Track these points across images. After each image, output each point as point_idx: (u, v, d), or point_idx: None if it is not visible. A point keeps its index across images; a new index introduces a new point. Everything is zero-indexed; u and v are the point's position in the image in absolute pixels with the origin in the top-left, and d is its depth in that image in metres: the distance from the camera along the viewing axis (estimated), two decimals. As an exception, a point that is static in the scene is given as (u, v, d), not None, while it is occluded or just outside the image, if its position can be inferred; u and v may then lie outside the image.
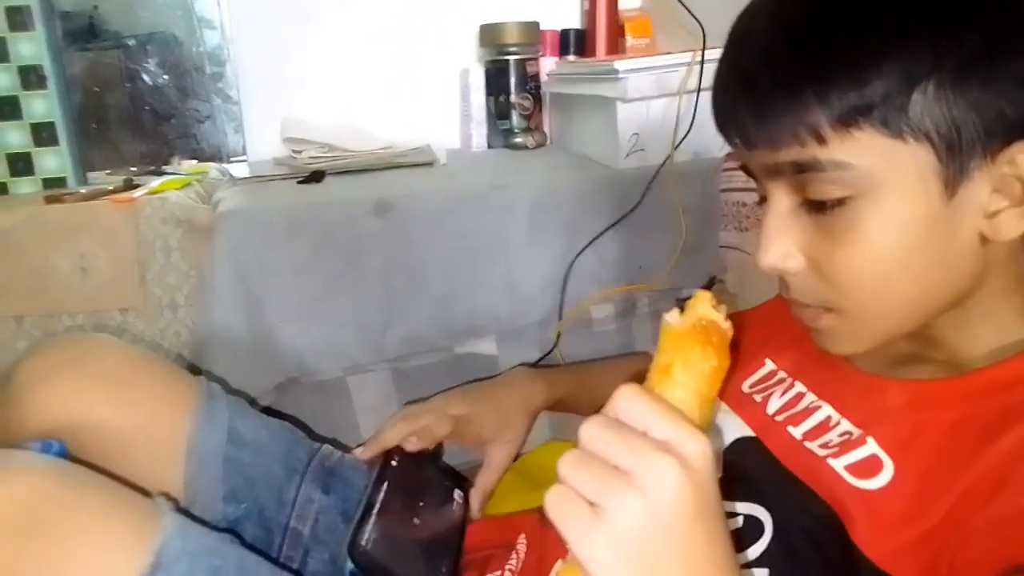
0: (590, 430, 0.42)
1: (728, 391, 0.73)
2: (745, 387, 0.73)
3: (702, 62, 1.22)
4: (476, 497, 0.94)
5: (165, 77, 1.48)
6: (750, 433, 0.67)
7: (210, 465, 0.79)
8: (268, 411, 0.98)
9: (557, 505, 0.40)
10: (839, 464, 0.57)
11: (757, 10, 0.55)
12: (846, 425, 0.60)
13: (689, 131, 1.23)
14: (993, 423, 0.51)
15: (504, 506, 1.05)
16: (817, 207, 0.53)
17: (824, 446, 0.60)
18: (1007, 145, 0.49)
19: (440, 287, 1.19)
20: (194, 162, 1.62)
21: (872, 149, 0.49)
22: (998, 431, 0.51)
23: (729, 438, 0.68)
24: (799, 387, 0.68)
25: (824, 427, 0.61)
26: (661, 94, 1.24)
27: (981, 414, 0.53)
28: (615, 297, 1.29)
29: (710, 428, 0.52)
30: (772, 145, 0.52)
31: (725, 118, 0.56)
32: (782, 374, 0.71)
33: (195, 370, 1.15)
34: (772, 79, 0.51)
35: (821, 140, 0.50)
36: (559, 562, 0.61)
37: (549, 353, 1.25)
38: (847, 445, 0.58)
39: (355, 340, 1.16)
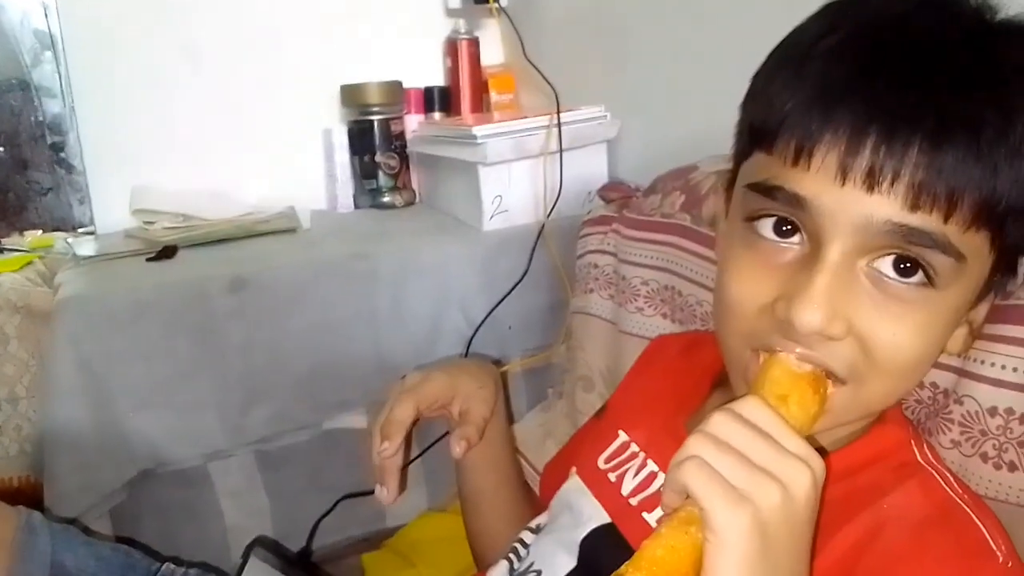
0: (726, 423, 0.44)
1: (585, 466, 0.73)
2: (600, 462, 0.72)
3: (559, 125, 1.25)
4: (457, 442, 0.82)
5: (0, 149, 1.39)
6: (606, 519, 0.67)
7: None
8: (117, 537, 0.90)
9: (699, 478, 0.42)
10: None
11: (943, 21, 0.46)
12: None
13: (560, 193, 1.25)
14: (837, 513, 0.51)
15: (380, 588, 1.02)
16: (889, 276, 0.47)
17: None
18: None
19: (304, 362, 1.15)
20: (39, 233, 1.53)
21: (981, 251, 0.47)
22: (841, 521, 0.51)
23: (587, 526, 0.67)
24: (651, 465, 0.67)
25: None
26: (520, 157, 1.26)
27: (826, 503, 0.51)
28: (487, 358, 1.28)
29: None
30: (918, 201, 0.44)
31: (860, 137, 0.44)
32: (634, 447, 0.70)
33: (42, 469, 1.07)
34: (984, 126, 0.43)
35: (969, 224, 0.44)
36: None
37: (448, 433, 1.22)
38: None
39: (214, 424, 1.11)
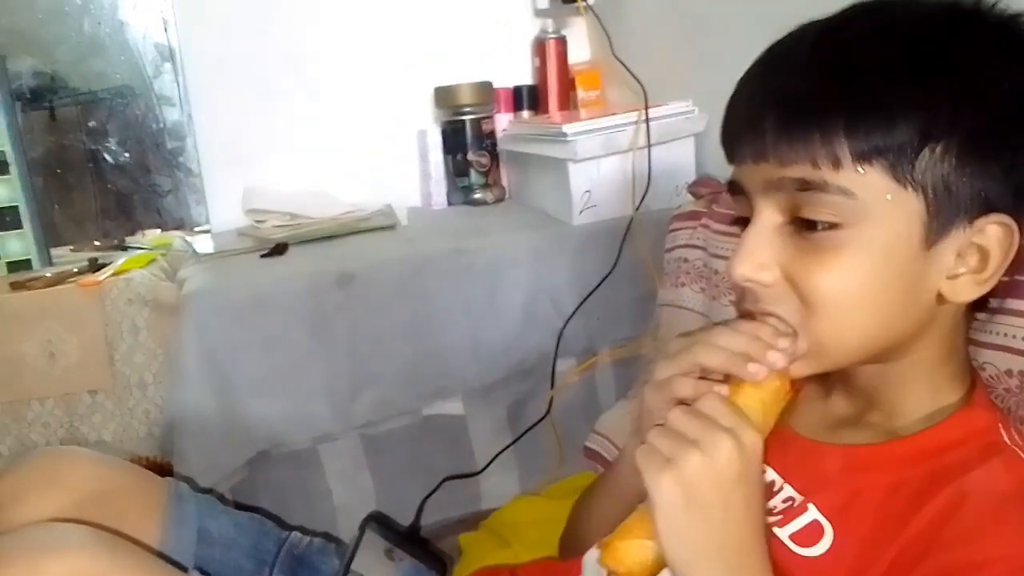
0: (677, 412, 0.55)
1: None
2: None
3: (647, 120, 1.27)
4: None
5: (126, 155, 1.51)
6: None
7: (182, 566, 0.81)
8: (238, 505, 0.99)
9: (642, 455, 0.54)
10: (784, 534, 0.60)
11: (802, 36, 0.58)
12: (789, 491, 0.63)
13: (648, 188, 1.28)
14: (923, 489, 0.55)
15: (476, 565, 1.07)
16: (806, 227, 0.55)
17: (769, 513, 0.62)
18: (983, 215, 0.54)
19: (405, 352, 1.22)
20: (158, 231, 1.65)
21: (875, 186, 0.52)
22: (927, 497, 0.54)
23: None
24: None
25: (768, 493, 0.64)
26: (609, 152, 1.29)
27: (913, 480, 0.56)
28: (577, 349, 1.33)
29: (767, 430, 0.59)
30: (786, 159, 0.54)
31: (742, 127, 0.58)
32: None
33: (168, 450, 1.17)
34: (810, 99, 0.54)
35: (836, 166, 0.53)
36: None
37: (541, 421, 1.28)
38: (790, 512, 0.61)
39: (324, 409, 1.18)
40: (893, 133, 0.52)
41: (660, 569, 0.57)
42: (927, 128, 0.52)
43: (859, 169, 0.53)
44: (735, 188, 0.60)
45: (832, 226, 0.54)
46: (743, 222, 0.59)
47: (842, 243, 0.54)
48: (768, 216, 0.57)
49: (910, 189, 0.53)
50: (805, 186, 0.54)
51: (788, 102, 0.55)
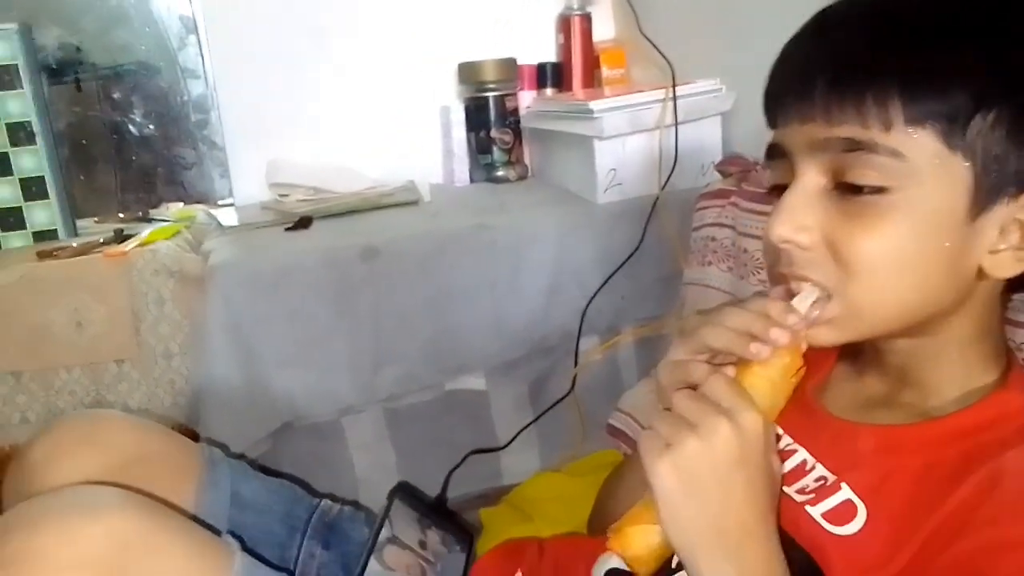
0: (679, 396, 0.56)
1: None
2: None
3: (674, 98, 1.26)
4: None
5: (151, 127, 1.51)
6: None
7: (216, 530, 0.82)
8: (265, 470, 1.00)
9: (643, 441, 0.54)
10: (816, 512, 0.60)
11: (855, 1, 0.57)
12: (821, 470, 0.62)
13: (674, 166, 1.27)
14: (957, 470, 0.54)
15: (498, 539, 1.08)
16: (851, 190, 0.54)
17: (801, 491, 0.62)
18: None
19: (429, 327, 1.22)
20: (181, 205, 1.65)
21: (926, 149, 0.52)
22: (961, 478, 0.54)
23: None
24: (786, 439, 0.69)
25: (800, 472, 0.64)
26: (636, 130, 1.28)
27: (946, 461, 0.56)
28: (601, 327, 1.32)
29: (776, 409, 0.60)
30: (835, 118, 0.54)
31: (789, 87, 0.57)
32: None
33: (193, 420, 1.18)
34: (863, 58, 0.53)
35: (887, 127, 0.52)
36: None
37: (564, 398, 1.28)
38: (823, 491, 0.60)
39: (347, 382, 1.19)
40: (948, 97, 0.51)
41: (667, 553, 0.57)
42: (981, 94, 0.51)
43: (910, 132, 0.52)
44: (775, 152, 0.59)
45: (877, 190, 0.53)
46: (780, 190, 0.58)
47: (888, 207, 0.53)
48: (811, 178, 0.56)
49: (959, 156, 0.52)
50: (853, 146, 0.53)
51: (840, 61, 0.54)
